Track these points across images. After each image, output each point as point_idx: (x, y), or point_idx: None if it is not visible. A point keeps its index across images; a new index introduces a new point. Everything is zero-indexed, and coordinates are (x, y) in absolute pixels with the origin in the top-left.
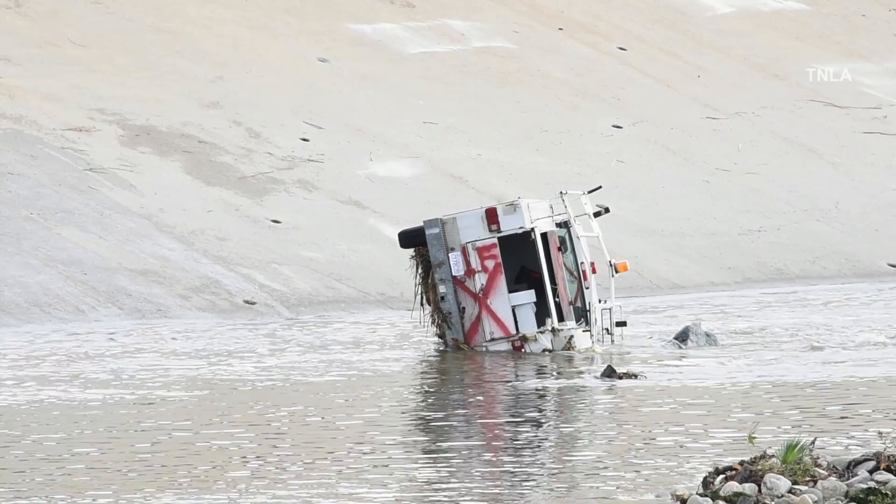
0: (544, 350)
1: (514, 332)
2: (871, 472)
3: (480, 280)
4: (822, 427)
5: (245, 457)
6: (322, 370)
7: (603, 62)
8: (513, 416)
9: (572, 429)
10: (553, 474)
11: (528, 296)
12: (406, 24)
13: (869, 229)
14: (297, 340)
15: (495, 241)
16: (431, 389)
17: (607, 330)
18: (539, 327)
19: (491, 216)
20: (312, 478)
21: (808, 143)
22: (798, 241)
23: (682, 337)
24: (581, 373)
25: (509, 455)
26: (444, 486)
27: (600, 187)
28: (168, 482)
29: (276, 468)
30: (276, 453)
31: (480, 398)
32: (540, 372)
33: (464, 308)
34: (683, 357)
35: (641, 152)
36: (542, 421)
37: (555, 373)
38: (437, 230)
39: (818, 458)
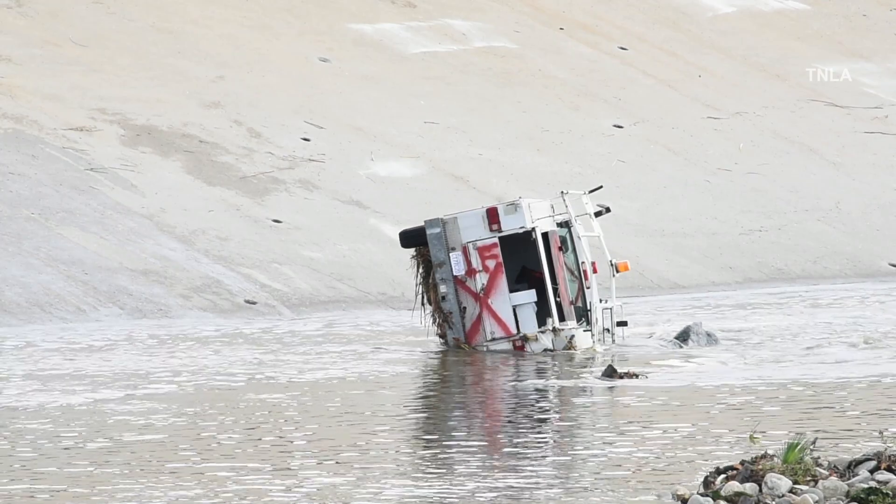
0: (545, 350)
1: (515, 331)
2: (871, 471)
3: (481, 280)
4: (823, 427)
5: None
6: (318, 370)
7: (604, 62)
8: (513, 416)
9: (573, 429)
10: (553, 474)
11: (529, 295)
12: (407, 23)
13: (870, 229)
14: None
15: (496, 240)
16: (431, 389)
17: (608, 330)
18: (540, 327)
19: (492, 216)
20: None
21: (810, 143)
22: (799, 241)
23: (683, 337)
24: (582, 373)
25: (510, 455)
26: (442, 486)
27: (601, 187)
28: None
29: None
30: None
31: (481, 398)
32: (540, 372)
33: (465, 308)
34: (684, 357)
35: (642, 152)
36: (543, 421)
37: (555, 373)
38: (438, 230)
39: (819, 457)
